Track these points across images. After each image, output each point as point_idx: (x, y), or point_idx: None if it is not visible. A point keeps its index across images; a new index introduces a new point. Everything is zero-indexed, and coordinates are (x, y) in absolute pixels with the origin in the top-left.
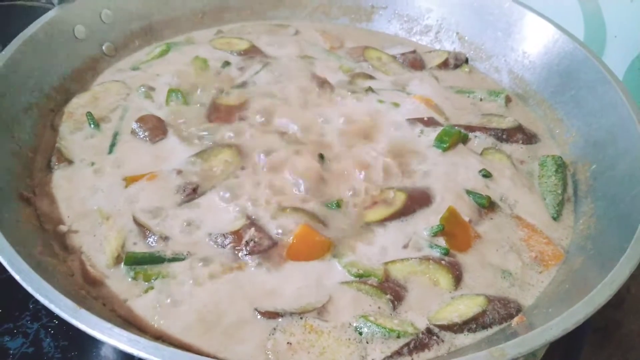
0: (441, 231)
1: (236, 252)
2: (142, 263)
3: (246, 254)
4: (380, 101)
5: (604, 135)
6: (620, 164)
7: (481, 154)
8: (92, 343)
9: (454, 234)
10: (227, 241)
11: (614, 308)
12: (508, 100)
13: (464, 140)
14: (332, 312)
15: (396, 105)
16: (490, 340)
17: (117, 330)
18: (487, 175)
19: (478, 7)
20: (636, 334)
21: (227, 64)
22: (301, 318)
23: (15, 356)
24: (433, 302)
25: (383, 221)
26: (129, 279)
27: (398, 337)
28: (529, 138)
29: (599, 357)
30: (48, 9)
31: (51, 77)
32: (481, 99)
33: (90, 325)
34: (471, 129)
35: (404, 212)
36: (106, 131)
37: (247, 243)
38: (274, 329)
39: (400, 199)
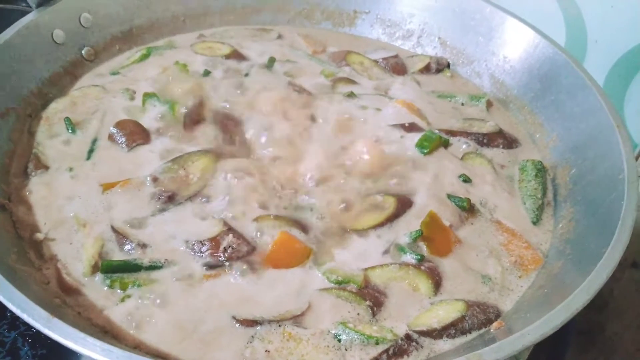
0: (421, 236)
1: (214, 259)
2: (118, 271)
3: (224, 261)
4: (364, 107)
5: (584, 140)
6: (599, 169)
7: (462, 158)
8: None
9: (435, 239)
10: (204, 248)
11: (597, 311)
12: (489, 104)
13: (445, 144)
14: (311, 319)
15: (378, 110)
16: (470, 346)
17: (90, 339)
18: (467, 180)
19: (460, 12)
20: (619, 336)
21: (207, 71)
22: (280, 325)
23: None
24: (412, 308)
25: (375, 227)
26: (105, 288)
27: (377, 343)
28: (510, 142)
29: None
30: (26, 12)
31: (29, 82)
32: (463, 104)
33: (63, 335)
34: (452, 133)
35: (396, 215)
36: (84, 137)
37: (225, 249)
38: (252, 336)
39: (391, 203)
